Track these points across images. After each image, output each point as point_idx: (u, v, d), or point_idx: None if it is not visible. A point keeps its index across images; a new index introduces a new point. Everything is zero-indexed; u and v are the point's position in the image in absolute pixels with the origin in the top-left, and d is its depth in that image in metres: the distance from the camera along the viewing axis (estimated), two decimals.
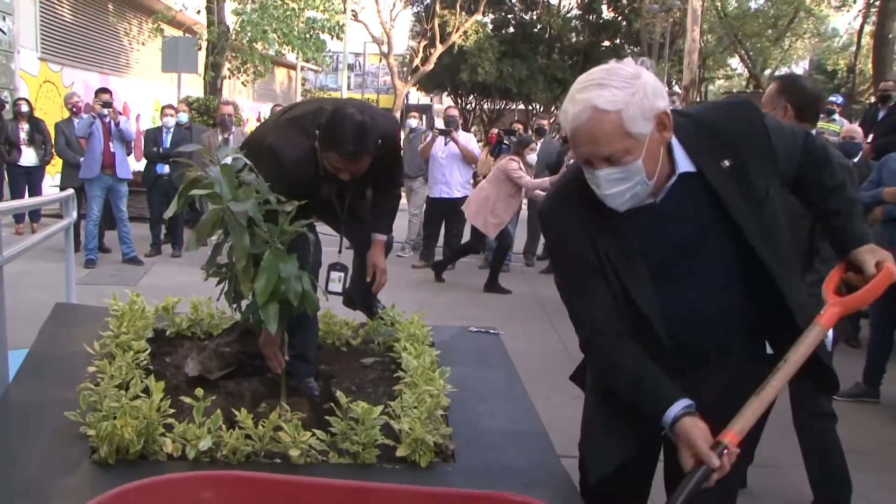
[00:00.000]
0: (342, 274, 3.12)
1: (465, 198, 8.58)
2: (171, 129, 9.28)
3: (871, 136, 8.01)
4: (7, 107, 10.33)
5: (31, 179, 10.10)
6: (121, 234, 8.61)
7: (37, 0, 13.49)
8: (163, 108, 9.80)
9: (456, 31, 25.81)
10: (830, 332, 2.04)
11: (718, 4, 31.18)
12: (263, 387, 2.75)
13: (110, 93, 8.92)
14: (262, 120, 18.38)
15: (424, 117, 15.62)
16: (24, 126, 9.92)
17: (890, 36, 16.86)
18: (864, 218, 2.03)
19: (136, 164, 10.72)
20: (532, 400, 2.83)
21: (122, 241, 8.61)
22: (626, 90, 1.65)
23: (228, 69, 16.26)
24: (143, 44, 16.83)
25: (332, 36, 17.05)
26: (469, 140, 9.45)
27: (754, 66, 35.44)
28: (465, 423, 2.52)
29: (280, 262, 2.33)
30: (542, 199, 2.07)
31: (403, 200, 9.54)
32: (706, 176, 1.78)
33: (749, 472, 3.42)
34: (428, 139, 9.27)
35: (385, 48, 27.15)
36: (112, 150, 8.33)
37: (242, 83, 17.40)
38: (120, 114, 8.63)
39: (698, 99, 25.90)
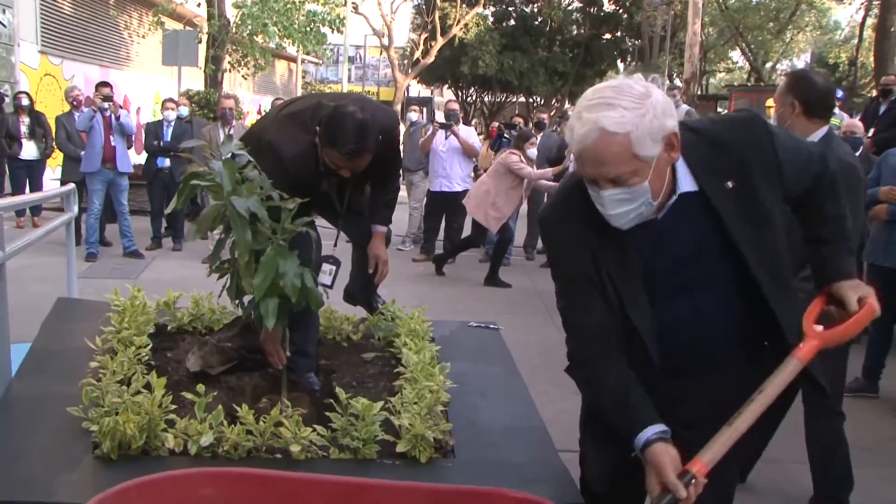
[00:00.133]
0: (334, 267, 3.12)
1: (465, 191, 8.59)
2: (172, 123, 9.28)
3: (871, 131, 8.00)
4: (7, 100, 10.32)
5: (31, 173, 10.10)
6: (122, 228, 8.62)
7: None
8: (163, 102, 9.80)
9: (457, 24, 25.72)
10: None
11: None
12: (264, 381, 2.76)
13: (111, 86, 8.91)
14: (263, 113, 18.38)
15: (425, 110, 15.61)
16: (25, 119, 9.92)
17: (892, 29, 16.79)
18: (853, 252, 1.99)
19: (137, 158, 10.72)
20: (532, 394, 2.84)
21: (123, 234, 8.62)
22: (635, 111, 1.61)
23: (229, 62, 16.23)
24: (143, 37, 16.81)
25: (333, 29, 17.01)
26: (470, 134, 9.45)
27: (756, 59, 35.38)
28: (465, 418, 2.54)
29: (280, 259, 2.34)
30: (543, 205, 2.05)
31: (404, 194, 9.57)
32: (708, 196, 1.76)
33: None
34: (428, 133, 9.27)
35: (386, 41, 27.07)
36: (113, 143, 8.35)
37: (243, 76, 17.36)
38: (121, 107, 8.62)
39: (699, 92, 25.88)
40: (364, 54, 34.41)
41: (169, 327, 3.14)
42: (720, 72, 41.84)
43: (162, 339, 3.02)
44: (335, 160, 2.68)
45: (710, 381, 1.88)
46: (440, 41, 25.63)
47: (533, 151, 8.18)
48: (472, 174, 9.50)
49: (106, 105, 8.31)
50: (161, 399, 2.27)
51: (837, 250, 1.93)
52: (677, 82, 18.34)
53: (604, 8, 30.32)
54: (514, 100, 33.09)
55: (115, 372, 2.49)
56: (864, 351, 5.19)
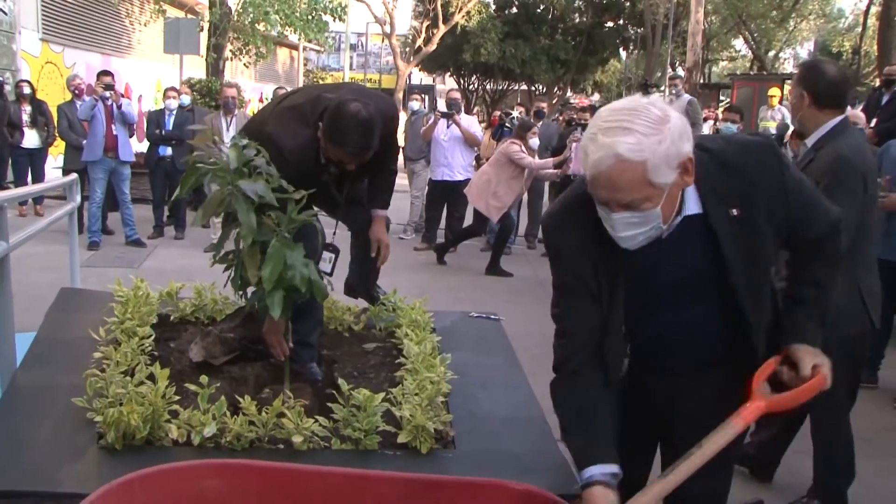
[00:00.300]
0: (333, 255, 3.13)
1: (467, 181, 8.59)
2: (174, 112, 9.28)
3: (874, 121, 7.98)
4: (9, 88, 10.32)
5: (33, 161, 10.10)
6: (124, 217, 8.64)
7: None
8: (165, 91, 9.81)
9: (459, 12, 25.64)
10: None
11: None
12: (267, 372, 2.78)
13: (112, 75, 8.90)
14: (265, 101, 18.32)
15: (426, 98, 15.56)
16: (27, 108, 9.91)
17: None
18: (825, 325, 1.93)
19: (139, 146, 10.72)
20: (532, 385, 2.85)
21: (125, 223, 8.64)
22: (652, 137, 1.56)
23: (231, 50, 16.19)
24: (145, 25, 16.76)
25: (335, 17, 16.96)
26: (471, 123, 9.44)
27: (758, 47, 35.24)
28: (466, 409, 2.56)
29: (287, 250, 2.34)
30: (548, 209, 2.02)
31: (405, 182, 9.60)
32: (711, 221, 1.75)
33: None
34: (430, 122, 9.27)
35: (387, 28, 26.98)
36: (114, 132, 8.36)
37: (245, 64, 17.32)
38: (122, 96, 8.63)
39: (701, 81, 25.80)
40: (366, 42, 34.32)
41: (172, 317, 3.16)
42: (723, 60, 41.68)
43: (165, 330, 3.04)
44: (340, 156, 2.70)
45: (706, 378, 1.91)
46: (442, 29, 25.56)
47: (535, 141, 8.18)
48: (474, 163, 9.49)
49: (107, 94, 8.32)
50: (164, 390, 2.29)
51: (811, 316, 1.90)
52: (679, 71, 18.31)
53: None
54: (516, 88, 33.03)
55: (119, 362, 2.50)
56: None
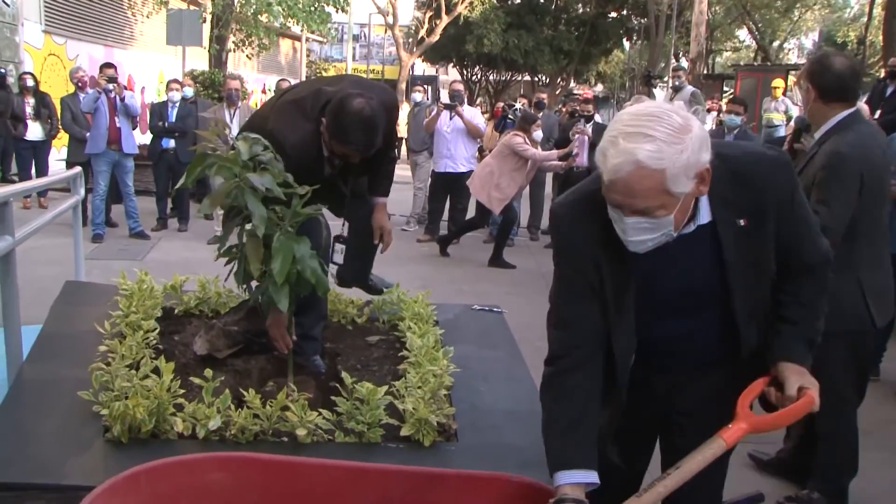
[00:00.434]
0: (343, 246, 3.15)
1: (469, 172, 8.58)
2: (177, 104, 9.28)
3: (878, 113, 7.94)
4: (12, 80, 10.32)
5: (37, 154, 10.12)
6: (127, 209, 8.65)
7: None
8: (168, 83, 9.79)
9: (462, 2, 25.54)
10: None
11: None
12: (270, 364, 2.80)
13: (115, 67, 8.90)
14: (268, 92, 18.26)
15: (430, 89, 15.52)
16: (30, 100, 9.93)
17: None
18: (814, 346, 1.89)
19: (142, 138, 10.72)
20: (535, 377, 2.86)
21: (129, 215, 8.65)
22: (673, 146, 1.54)
23: (233, 42, 16.18)
24: (147, 16, 16.72)
25: (337, 8, 16.92)
26: (474, 114, 9.43)
27: (763, 37, 35.08)
28: (468, 402, 2.58)
29: (294, 244, 2.35)
30: (559, 198, 1.99)
31: (408, 174, 9.59)
32: (718, 230, 1.75)
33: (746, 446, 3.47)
34: (433, 113, 9.26)
35: (390, 19, 26.90)
36: (118, 125, 8.36)
37: (247, 56, 17.30)
38: (125, 88, 8.63)
39: (705, 71, 25.72)
40: (369, 33, 34.20)
41: (176, 311, 3.18)
42: (727, 51, 41.50)
43: (169, 323, 3.06)
44: (345, 152, 2.71)
45: (705, 375, 1.93)
46: (445, 19, 25.47)
47: (538, 134, 8.16)
48: (477, 155, 9.48)
49: (110, 86, 8.33)
50: (170, 383, 2.31)
51: (799, 334, 1.86)
52: (683, 62, 18.24)
53: None
54: (520, 78, 32.90)
55: (124, 356, 2.53)
56: None
